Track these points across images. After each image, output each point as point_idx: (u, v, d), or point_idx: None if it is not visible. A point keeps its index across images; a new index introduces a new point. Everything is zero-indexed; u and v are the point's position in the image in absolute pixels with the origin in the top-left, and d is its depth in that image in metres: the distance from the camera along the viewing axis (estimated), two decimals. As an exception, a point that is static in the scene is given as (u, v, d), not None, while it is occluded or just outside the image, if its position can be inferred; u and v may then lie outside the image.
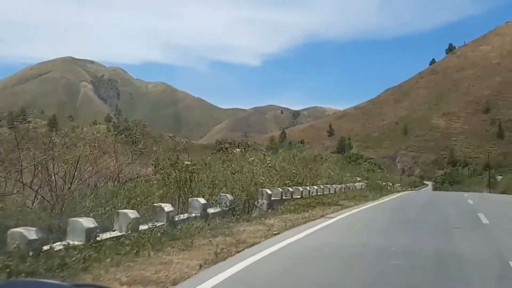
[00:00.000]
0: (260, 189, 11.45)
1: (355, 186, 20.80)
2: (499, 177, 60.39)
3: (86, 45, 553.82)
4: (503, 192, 38.32)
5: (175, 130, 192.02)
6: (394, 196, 19.83)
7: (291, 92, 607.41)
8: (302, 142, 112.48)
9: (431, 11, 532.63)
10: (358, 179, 25.11)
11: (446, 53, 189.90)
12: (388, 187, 26.36)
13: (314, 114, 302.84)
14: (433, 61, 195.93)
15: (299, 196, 13.54)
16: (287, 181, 13.98)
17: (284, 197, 12.57)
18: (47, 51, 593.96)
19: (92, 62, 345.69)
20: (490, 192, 50.60)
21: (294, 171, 15.71)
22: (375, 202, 15.20)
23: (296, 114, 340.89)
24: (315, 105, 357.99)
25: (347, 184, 20.06)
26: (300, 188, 13.85)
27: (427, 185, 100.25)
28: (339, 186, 17.88)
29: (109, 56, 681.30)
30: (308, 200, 13.19)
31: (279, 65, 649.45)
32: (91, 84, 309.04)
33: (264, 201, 11.39)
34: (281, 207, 11.57)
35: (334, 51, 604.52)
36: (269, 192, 11.48)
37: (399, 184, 30.20)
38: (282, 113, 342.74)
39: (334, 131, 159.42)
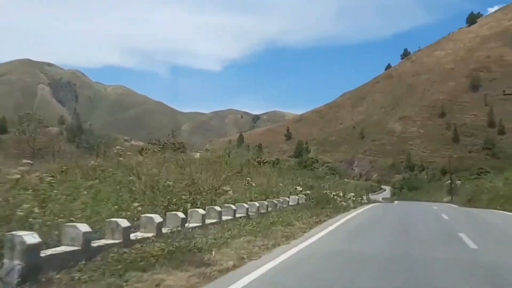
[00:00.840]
0: (8, 234, 4.74)
1: (288, 202, 14.52)
2: (458, 182, 58.20)
3: (44, 47, 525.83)
4: (469, 201, 33.76)
5: (134, 133, 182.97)
6: (336, 224, 12.14)
7: (251, 96, 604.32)
8: (260, 145, 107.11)
9: (387, 20, 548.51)
10: (299, 189, 19.02)
11: (401, 58, 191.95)
12: (338, 198, 20.36)
13: (274, 118, 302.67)
14: (388, 66, 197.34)
15: (150, 235, 6.88)
16: (136, 204, 7.30)
17: (101, 243, 5.89)
18: (3, 52, 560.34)
19: (50, 64, 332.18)
20: (452, 199, 46.73)
21: (169, 182, 9.09)
22: (289, 251, 7.33)
23: (255, 118, 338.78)
24: (274, 109, 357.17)
25: (276, 199, 13.73)
26: (156, 219, 7.12)
27: (385, 189, 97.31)
28: (257, 204, 11.45)
29: (68, 59, 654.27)
30: (162, 244, 6.50)
31: (240, 70, 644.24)
32: (48, 87, 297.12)
33: (16, 263, 4.67)
34: (61, 275, 4.88)
35: (293, 56, 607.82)
36: (30, 240, 4.75)
37: (353, 194, 24.26)
38: (242, 117, 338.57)
39: (291, 134, 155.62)
